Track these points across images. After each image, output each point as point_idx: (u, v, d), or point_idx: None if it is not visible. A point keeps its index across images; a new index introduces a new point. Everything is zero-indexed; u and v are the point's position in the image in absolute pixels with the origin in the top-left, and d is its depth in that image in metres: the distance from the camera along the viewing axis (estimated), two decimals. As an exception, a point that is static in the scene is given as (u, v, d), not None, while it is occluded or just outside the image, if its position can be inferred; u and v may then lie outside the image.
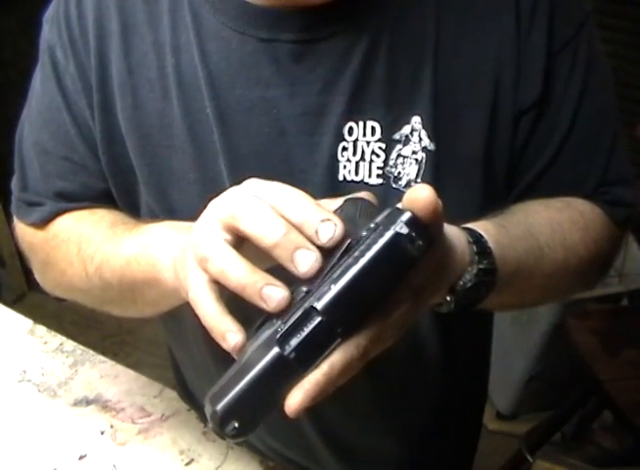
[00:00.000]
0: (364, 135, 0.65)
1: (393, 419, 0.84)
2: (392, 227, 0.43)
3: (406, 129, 0.65)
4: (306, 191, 0.47)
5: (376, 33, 0.64)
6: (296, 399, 0.43)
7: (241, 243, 0.48)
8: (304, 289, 0.44)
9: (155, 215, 0.71)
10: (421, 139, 0.65)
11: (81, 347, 0.93)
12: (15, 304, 2.35)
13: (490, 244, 0.57)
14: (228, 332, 0.46)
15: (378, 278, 0.43)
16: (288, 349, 0.43)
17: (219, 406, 0.43)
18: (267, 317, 0.46)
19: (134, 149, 0.70)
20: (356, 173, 0.66)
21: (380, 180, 0.66)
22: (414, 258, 0.43)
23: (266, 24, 0.64)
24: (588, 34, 0.68)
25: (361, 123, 0.65)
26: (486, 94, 0.66)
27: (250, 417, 0.43)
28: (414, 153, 0.66)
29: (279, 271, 0.46)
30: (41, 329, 0.96)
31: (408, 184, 0.66)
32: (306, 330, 0.43)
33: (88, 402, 0.85)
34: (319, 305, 0.42)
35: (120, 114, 0.69)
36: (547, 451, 1.74)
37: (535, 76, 0.66)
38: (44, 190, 0.75)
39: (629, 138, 0.76)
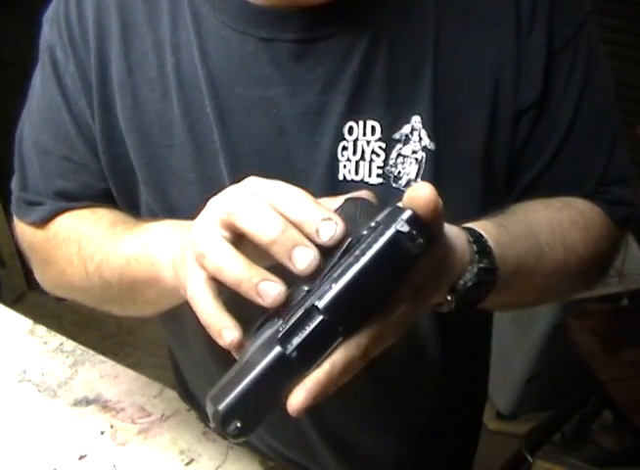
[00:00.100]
0: (364, 135, 0.65)
1: (393, 419, 0.84)
2: (393, 225, 0.43)
3: (406, 129, 0.65)
4: (306, 190, 0.47)
5: (376, 33, 0.64)
6: (298, 399, 0.43)
7: (240, 241, 0.48)
8: (305, 288, 0.44)
9: (154, 215, 0.71)
10: (421, 139, 0.65)
11: (81, 347, 0.93)
12: (15, 304, 2.35)
13: (490, 243, 0.57)
14: (225, 329, 0.46)
15: (379, 277, 0.43)
16: (289, 348, 0.43)
17: (221, 406, 0.43)
18: (268, 317, 0.46)
19: (134, 148, 0.70)
20: (356, 173, 0.66)
21: (380, 180, 0.66)
22: (415, 256, 0.43)
23: (266, 24, 0.64)
24: (588, 34, 0.68)
25: (361, 123, 0.65)
26: (486, 94, 0.66)
27: (251, 416, 0.43)
28: (414, 152, 0.66)
29: (279, 271, 0.46)
30: (41, 329, 0.96)
31: (408, 184, 0.66)
32: (308, 329, 0.43)
33: (88, 402, 0.85)
34: (321, 304, 0.42)
35: (120, 113, 0.69)
36: (547, 451, 1.75)
37: (535, 76, 0.66)
38: (44, 189, 0.75)
39: (629, 138, 0.76)
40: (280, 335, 0.43)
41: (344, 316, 0.43)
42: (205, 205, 0.50)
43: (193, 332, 0.80)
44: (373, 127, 0.65)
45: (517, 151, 0.69)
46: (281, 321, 0.44)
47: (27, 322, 0.97)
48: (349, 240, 0.45)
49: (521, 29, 0.65)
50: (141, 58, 0.68)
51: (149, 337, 2.26)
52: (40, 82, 0.74)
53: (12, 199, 0.79)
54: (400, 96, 0.65)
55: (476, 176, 0.68)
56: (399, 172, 0.66)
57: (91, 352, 0.93)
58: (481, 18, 0.65)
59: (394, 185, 0.66)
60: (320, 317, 0.43)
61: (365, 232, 0.44)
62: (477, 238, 0.56)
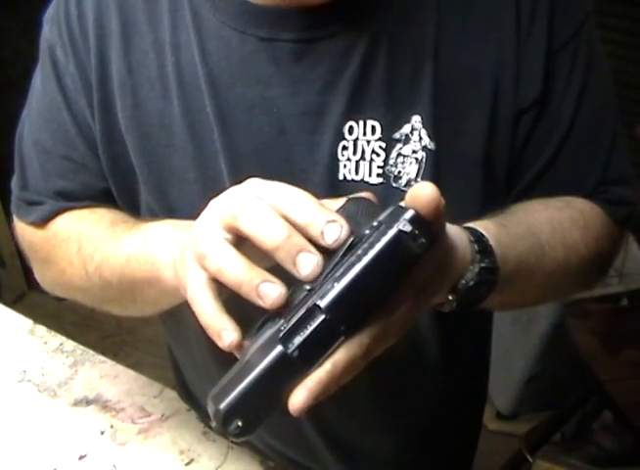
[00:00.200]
0: (364, 134, 0.65)
1: (393, 419, 0.84)
2: (395, 225, 0.43)
3: (406, 128, 0.65)
4: (307, 190, 0.47)
5: (376, 33, 0.64)
6: (299, 398, 0.43)
7: (241, 243, 0.47)
8: (307, 287, 0.44)
9: (154, 214, 0.71)
10: (421, 138, 0.65)
11: (81, 347, 0.93)
12: (15, 304, 2.35)
13: (491, 243, 0.57)
14: (224, 330, 0.46)
15: (381, 276, 0.43)
16: (291, 347, 0.43)
17: (222, 405, 0.43)
18: (269, 317, 0.46)
19: (134, 148, 0.70)
20: (356, 173, 0.66)
21: (380, 179, 0.66)
22: (417, 255, 0.43)
23: (266, 24, 0.64)
24: (588, 34, 0.68)
25: (361, 123, 0.65)
26: (487, 93, 0.66)
27: (253, 416, 0.43)
28: (414, 152, 0.66)
29: (280, 271, 0.46)
30: (41, 329, 0.96)
31: (408, 183, 0.66)
32: (310, 328, 0.43)
33: (88, 402, 0.85)
34: (323, 304, 0.42)
35: (120, 113, 0.69)
36: (547, 451, 1.74)
37: (535, 76, 0.66)
38: (44, 189, 0.75)
39: (629, 138, 0.76)
40: (281, 334, 0.43)
41: (346, 316, 0.43)
42: (205, 204, 0.50)
43: (193, 332, 0.80)
44: (373, 127, 0.65)
45: (517, 151, 0.69)
46: (282, 320, 0.44)
47: (27, 322, 0.97)
48: (351, 239, 0.45)
49: (521, 29, 0.65)
50: (141, 57, 0.68)
51: (149, 337, 2.26)
52: (40, 82, 0.74)
53: (12, 198, 0.79)
54: (400, 96, 0.65)
55: (476, 176, 0.68)
56: (399, 172, 0.66)
57: (91, 352, 0.93)
58: (482, 17, 0.65)
59: (394, 185, 0.66)
60: (322, 316, 0.43)
61: (367, 232, 0.44)
62: (478, 238, 0.56)
